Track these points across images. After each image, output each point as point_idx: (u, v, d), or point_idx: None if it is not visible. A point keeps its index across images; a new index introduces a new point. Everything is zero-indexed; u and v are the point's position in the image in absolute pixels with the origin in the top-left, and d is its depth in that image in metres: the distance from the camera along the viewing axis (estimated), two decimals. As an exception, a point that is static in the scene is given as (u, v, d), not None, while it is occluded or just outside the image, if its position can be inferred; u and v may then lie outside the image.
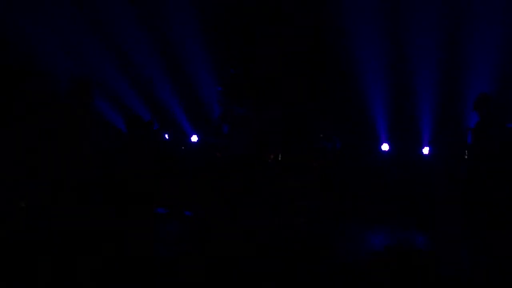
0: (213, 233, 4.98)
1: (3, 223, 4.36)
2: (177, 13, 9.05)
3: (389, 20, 8.27)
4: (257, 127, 8.57)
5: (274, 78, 8.37)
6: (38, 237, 3.96)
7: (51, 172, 5.28)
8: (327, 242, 4.84)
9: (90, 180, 5.35)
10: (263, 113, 8.59)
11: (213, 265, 3.65)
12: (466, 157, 5.37)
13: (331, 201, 6.88)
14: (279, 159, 8.32)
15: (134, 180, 5.95)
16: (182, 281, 3.27)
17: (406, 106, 8.71)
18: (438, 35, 8.12)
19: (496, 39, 7.69)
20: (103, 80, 8.90)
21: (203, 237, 4.82)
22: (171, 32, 9.27)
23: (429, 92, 8.44)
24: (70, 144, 5.31)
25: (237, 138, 8.71)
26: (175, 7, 9.03)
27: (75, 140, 5.39)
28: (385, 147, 8.79)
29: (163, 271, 3.50)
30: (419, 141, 8.58)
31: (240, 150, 8.43)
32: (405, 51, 8.43)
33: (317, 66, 8.58)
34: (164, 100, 9.68)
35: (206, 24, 8.94)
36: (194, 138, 9.50)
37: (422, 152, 8.42)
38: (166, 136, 9.05)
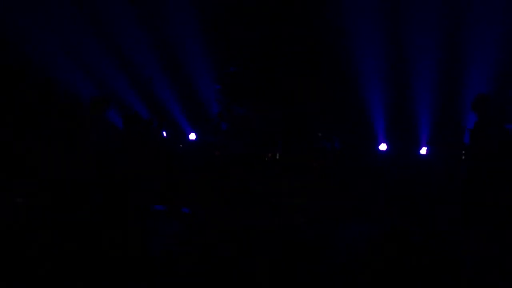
0: (211, 232, 4.98)
1: (3, 223, 4.37)
2: (177, 13, 9.05)
3: (388, 20, 8.29)
4: (256, 126, 8.59)
5: (274, 78, 8.40)
6: (37, 236, 3.97)
7: (51, 172, 5.31)
8: (327, 242, 4.85)
9: (90, 180, 5.37)
10: (263, 112, 8.61)
11: (212, 264, 3.66)
12: (464, 157, 5.38)
13: (330, 200, 6.90)
14: (277, 158, 8.35)
15: (133, 178, 5.96)
16: (180, 281, 3.29)
17: (404, 106, 8.74)
18: (436, 35, 8.15)
19: (495, 39, 7.72)
20: (103, 80, 8.91)
21: (201, 236, 4.83)
22: (171, 31, 9.27)
23: (428, 92, 8.47)
24: (70, 144, 5.35)
25: (236, 137, 8.73)
26: (175, 7, 9.03)
27: (75, 140, 5.43)
28: (383, 147, 8.82)
29: (160, 270, 3.51)
30: (417, 141, 8.61)
31: (239, 149, 8.46)
32: (404, 52, 8.46)
33: (317, 66, 8.61)
34: (162, 98, 9.68)
35: (206, 24, 8.94)
36: (192, 136, 9.50)
37: (420, 152, 8.45)
38: (164, 134, 9.05)
